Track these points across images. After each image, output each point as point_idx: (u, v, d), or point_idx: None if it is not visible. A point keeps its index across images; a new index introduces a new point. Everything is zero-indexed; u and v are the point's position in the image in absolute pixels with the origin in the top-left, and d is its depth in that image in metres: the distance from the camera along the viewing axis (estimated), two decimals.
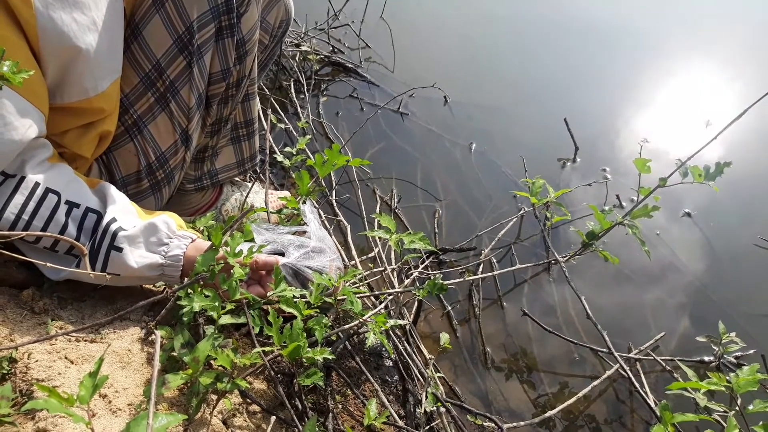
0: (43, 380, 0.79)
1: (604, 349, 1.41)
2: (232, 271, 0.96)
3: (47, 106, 0.94)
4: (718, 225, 1.98)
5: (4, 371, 0.80)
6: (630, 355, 1.47)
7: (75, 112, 1.00)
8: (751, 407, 1.06)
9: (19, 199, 0.90)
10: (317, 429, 0.89)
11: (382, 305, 1.21)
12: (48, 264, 0.84)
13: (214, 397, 0.89)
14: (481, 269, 1.67)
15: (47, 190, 0.93)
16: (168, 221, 1.02)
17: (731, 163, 1.27)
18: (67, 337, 0.90)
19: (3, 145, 0.85)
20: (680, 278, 1.78)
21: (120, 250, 0.95)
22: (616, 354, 1.36)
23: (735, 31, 3.33)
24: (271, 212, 1.43)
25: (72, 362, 0.85)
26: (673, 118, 2.52)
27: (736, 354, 1.51)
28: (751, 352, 1.52)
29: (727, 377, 1.08)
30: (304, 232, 1.18)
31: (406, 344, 1.29)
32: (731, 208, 2.06)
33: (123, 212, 0.99)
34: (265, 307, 1.04)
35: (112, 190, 1.02)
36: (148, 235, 0.99)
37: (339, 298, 1.11)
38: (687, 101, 2.66)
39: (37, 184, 0.92)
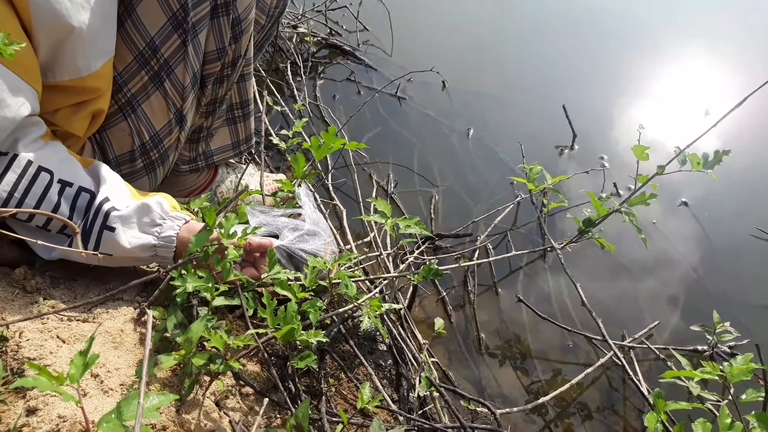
0: (34, 359, 0.79)
1: (598, 337, 1.42)
2: (226, 252, 0.95)
3: (40, 84, 0.92)
4: (714, 215, 1.98)
5: None
6: (624, 343, 1.47)
7: (67, 91, 0.98)
8: (743, 396, 1.06)
9: (11, 177, 0.89)
10: (310, 412, 0.88)
11: (377, 289, 1.21)
12: (40, 242, 0.83)
13: (206, 378, 0.88)
14: (476, 255, 1.66)
15: (40, 169, 0.92)
16: (161, 202, 1.01)
17: (730, 152, 1.26)
18: (59, 317, 0.89)
19: None
20: (675, 268, 1.78)
21: (113, 230, 0.94)
22: (610, 341, 1.36)
23: (736, 20, 3.31)
24: (266, 195, 1.42)
25: (64, 341, 0.85)
26: (673, 108, 2.51)
27: (730, 344, 1.51)
28: (745, 342, 1.53)
29: (721, 366, 1.08)
30: (299, 215, 1.17)
31: (400, 329, 1.28)
32: (729, 198, 2.06)
33: (116, 192, 0.98)
34: (259, 289, 1.03)
35: (106, 170, 1.01)
36: (141, 216, 0.98)
37: (334, 281, 1.11)
38: (686, 91, 2.65)
39: (29, 163, 0.91)
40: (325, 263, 1.06)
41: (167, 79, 1.10)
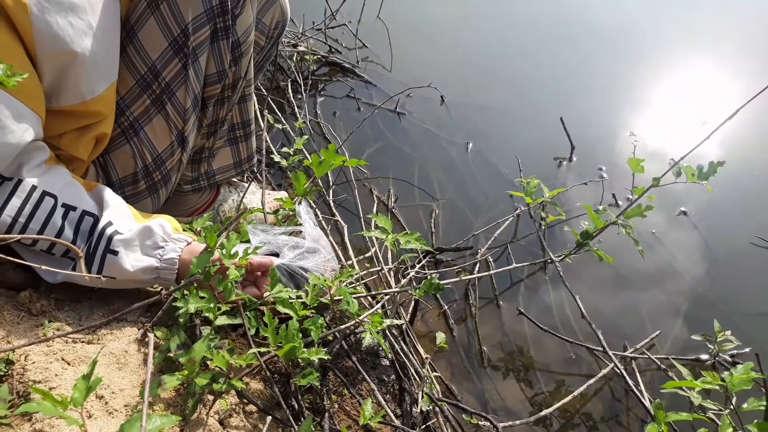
0: (39, 382, 0.80)
1: (600, 348, 1.42)
2: (227, 272, 0.97)
3: (44, 110, 0.94)
4: (715, 224, 1.98)
5: (1, 373, 0.80)
6: (625, 353, 1.48)
7: (71, 115, 1.00)
8: (745, 406, 1.06)
9: (15, 202, 0.91)
10: (313, 428, 0.89)
11: (379, 305, 1.21)
12: (44, 267, 0.85)
13: (210, 397, 0.89)
14: (477, 269, 1.67)
15: (44, 194, 0.94)
16: (164, 224, 1.02)
17: (725, 163, 1.27)
18: (64, 339, 0.90)
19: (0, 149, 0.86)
20: (676, 277, 1.79)
21: (116, 253, 0.96)
22: (610, 353, 1.37)
23: (733, 30, 3.33)
24: (267, 213, 1.43)
25: (69, 364, 0.86)
26: (671, 118, 2.53)
27: (732, 352, 1.51)
28: (747, 350, 1.53)
29: (722, 376, 1.08)
30: (300, 232, 1.19)
31: (402, 344, 1.29)
32: (729, 206, 2.07)
33: (119, 216, 1.00)
34: (261, 308, 1.05)
35: (109, 194, 1.03)
36: (143, 239, 0.99)
37: (335, 298, 1.12)
38: (684, 101, 2.67)
39: (33, 188, 0.93)
40: (325, 280, 1.07)
41: (169, 102, 1.13)
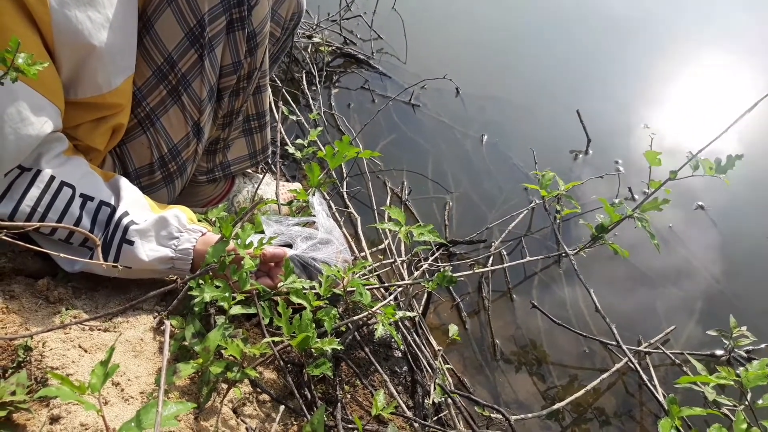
0: (57, 368, 0.81)
1: (614, 343, 1.41)
2: (242, 262, 0.97)
3: (63, 102, 0.95)
4: (732, 219, 1.96)
5: (20, 359, 0.82)
6: (639, 348, 1.47)
7: (88, 107, 1.01)
8: (760, 402, 1.05)
9: (34, 192, 0.92)
10: (325, 418, 0.90)
11: (392, 297, 1.22)
12: (62, 255, 0.86)
13: (224, 386, 0.90)
14: (491, 261, 1.67)
15: (62, 184, 0.95)
16: (179, 215, 1.03)
17: (743, 156, 1.26)
18: (81, 326, 0.92)
19: (20, 140, 0.87)
20: (692, 272, 1.77)
21: (131, 243, 0.97)
22: (624, 347, 1.36)
23: (754, 24, 3.28)
24: (281, 204, 1.44)
25: (86, 351, 0.87)
26: (689, 113, 2.50)
27: (747, 348, 1.50)
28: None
29: (737, 371, 1.07)
30: (313, 223, 1.19)
31: (415, 336, 1.29)
32: (746, 202, 2.04)
33: (135, 206, 1.01)
34: (274, 298, 1.05)
35: (126, 184, 1.04)
36: (159, 229, 1.00)
37: (348, 289, 1.12)
38: (703, 95, 2.63)
39: (52, 178, 0.94)
40: (338, 271, 1.07)
41: (185, 92, 1.13)
